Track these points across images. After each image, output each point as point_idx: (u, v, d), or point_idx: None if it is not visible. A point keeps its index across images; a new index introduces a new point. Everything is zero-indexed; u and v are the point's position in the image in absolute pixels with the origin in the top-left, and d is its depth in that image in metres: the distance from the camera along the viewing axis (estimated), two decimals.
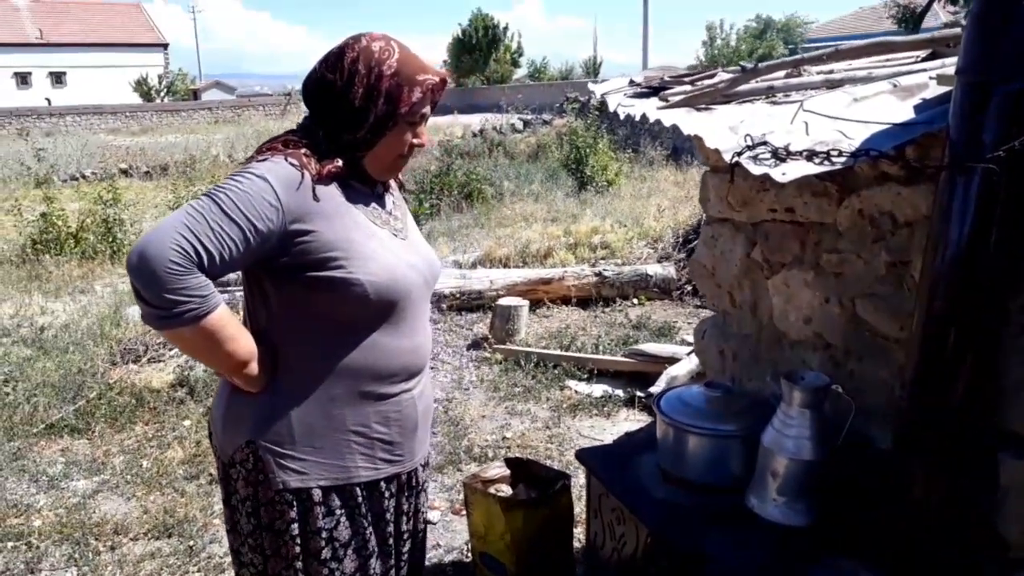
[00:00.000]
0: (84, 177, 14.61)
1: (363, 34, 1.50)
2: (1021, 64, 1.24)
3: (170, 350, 5.01)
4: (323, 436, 1.53)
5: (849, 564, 1.55)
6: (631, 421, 4.15)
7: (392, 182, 1.71)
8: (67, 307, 6.41)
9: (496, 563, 2.62)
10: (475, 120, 19.47)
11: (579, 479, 3.05)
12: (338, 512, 1.56)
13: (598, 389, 4.51)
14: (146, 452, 3.88)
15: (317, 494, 1.53)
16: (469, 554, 2.87)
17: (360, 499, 1.58)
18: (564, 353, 4.96)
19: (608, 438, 3.90)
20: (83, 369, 4.72)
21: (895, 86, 1.65)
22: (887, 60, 2.08)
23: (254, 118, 27.77)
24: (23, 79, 40.27)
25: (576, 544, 2.77)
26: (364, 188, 1.57)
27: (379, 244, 1.52)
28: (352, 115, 1.46)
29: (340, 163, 1.48)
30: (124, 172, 15.12)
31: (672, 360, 4.42)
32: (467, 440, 3.94)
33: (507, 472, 2.80)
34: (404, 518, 1.71)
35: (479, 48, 37.04)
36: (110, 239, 8.27)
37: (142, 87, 37.84)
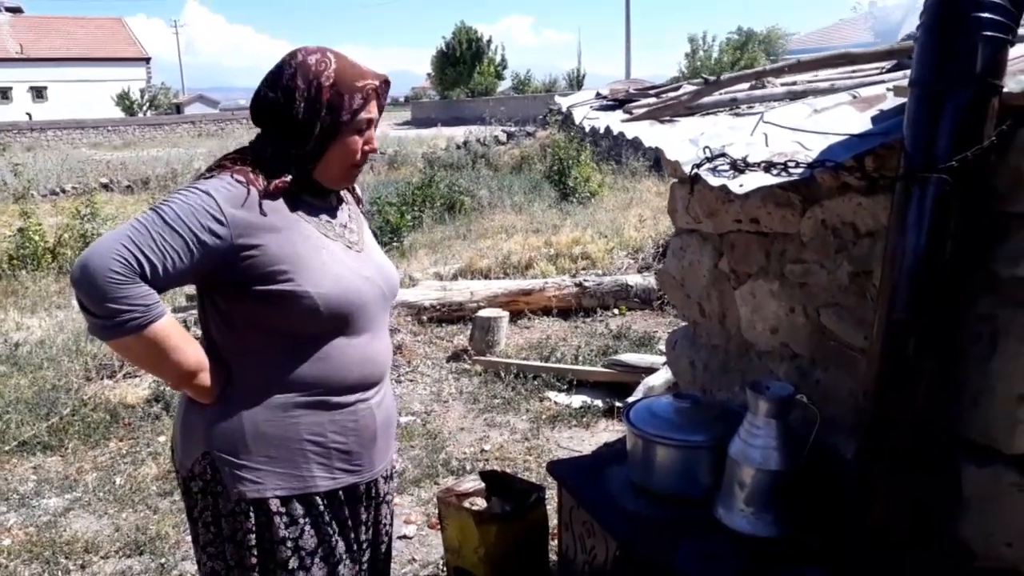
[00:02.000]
0: (64, 192, 14.50)
1: (299, 49, 1.52)
2: (972, 74, 1.25)
3: None
4: (278, 445, 1.52)
5: (817, 575, 1.55)
6: (610, 432, 4.14)
7: (348, 195, 1.71)
8: (43, 323, 6.34)
9: None
10: (459, 132, 19.52)
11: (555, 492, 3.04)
12: (302, 521, 1.55)
13: (577, 400, 4.51)
14: (120, 469, 3.83)
15: (275, 504, 1.53)
16: (444, 568, 2.85)
17: (322, 507, 1.58)
18: (544, 364, 4.96)
19: (587, 449, 3.89)
20: (57, 385, 4.67)
21: (855, 97, 1.67)
22: (852, 72, 2.10)
23: (237, 131, 27.64)
24: (3, 94, 40.01)
25: (552, 557, 2.76)
26: (316, 201, 1.57)
27: (329, 256, 1.52)
28: (297, 130, 1.48)
29: (288, 179, 1.49)
30: (105, 186, 15.02)
31: (650, 370, 4.42)
32: (445, 453, 3.92)
33: (482, 485, 2.79)
34: (363, 528, 1.69)
35: (463, 61, 37.17)
36: None
37: (124, 101, 37.68)
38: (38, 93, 40.75)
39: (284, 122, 1.48)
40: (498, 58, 38.36)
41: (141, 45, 46.01)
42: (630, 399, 4.22)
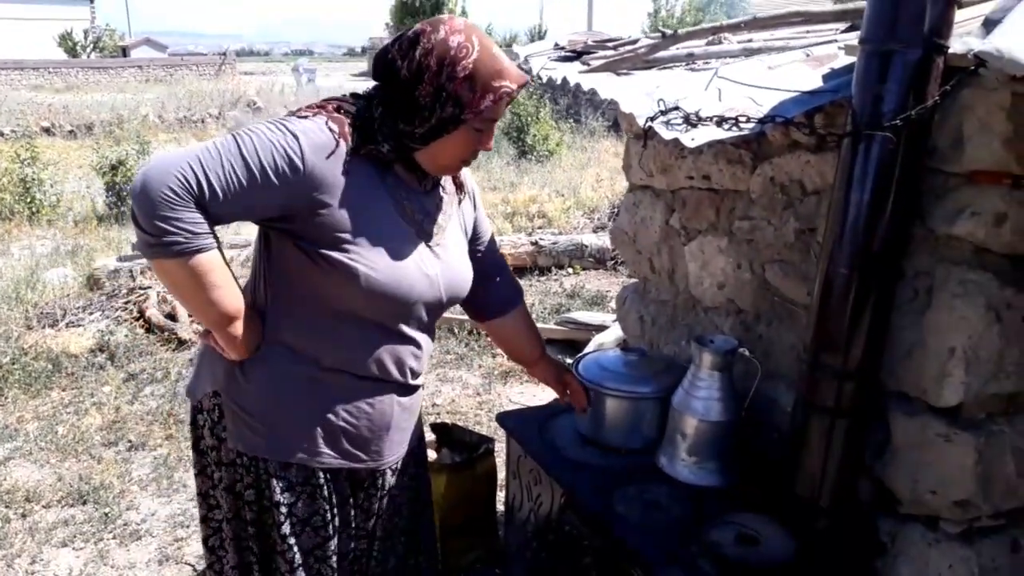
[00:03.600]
0: (2, 135, 13.91)
1: (443, 21, 1.37)
2: (919, 33, 1.27)
3: (90, 314, 4.85)
4: (286, 411, 1.48)
5: (753, 520, 1.60)
6: None
7: (449, 182, 1.60)
8: None
9: None
10: None
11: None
12: (298, 489, 1.51)
13: None
14: (62, 418, 3.76)
15: (274, 466, 1.49)
16: None
17: (323, 481, 1.53)
18: None
19: (537, 404, 3.94)
20: None
21: (808, 55, 1.68)
22: (807, 31, 2.11)
23: (187, 78, 26.72)
24: None
25: (500, 507, 2.80)
26: (407, 177, 1.47)
27: (396, 239, 1.43)
28: (413, 109, 1.36)
29: (385, 148, 1.39)
30: (46, 130, 14.46)
31: (602, 328, 4.48)
32: None
33: (432, 437, 2.81)
34: (361, 513, 1.64)
35: (423, 11, 36.22)
36: (28, 199, 7.91)
37: (67, 42, 36.02)
38: None
39: (402, 95, 1.36)
40: (459, 10, 37.57)
41: None
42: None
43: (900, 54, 1.29)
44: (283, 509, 1.50)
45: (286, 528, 1.51)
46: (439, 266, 1.51)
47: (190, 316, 4.73)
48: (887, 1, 1.30)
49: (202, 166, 1.25)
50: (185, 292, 1.37)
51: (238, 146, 1.28)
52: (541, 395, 4.08)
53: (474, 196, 1.71)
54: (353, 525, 1.63)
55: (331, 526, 1.56)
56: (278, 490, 1.50)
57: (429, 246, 1.50)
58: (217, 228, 1.35)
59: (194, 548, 2.81)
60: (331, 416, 1.50)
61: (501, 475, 2.76)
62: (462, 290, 1.61)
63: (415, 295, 1.46)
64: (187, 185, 1.24)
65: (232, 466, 1.51)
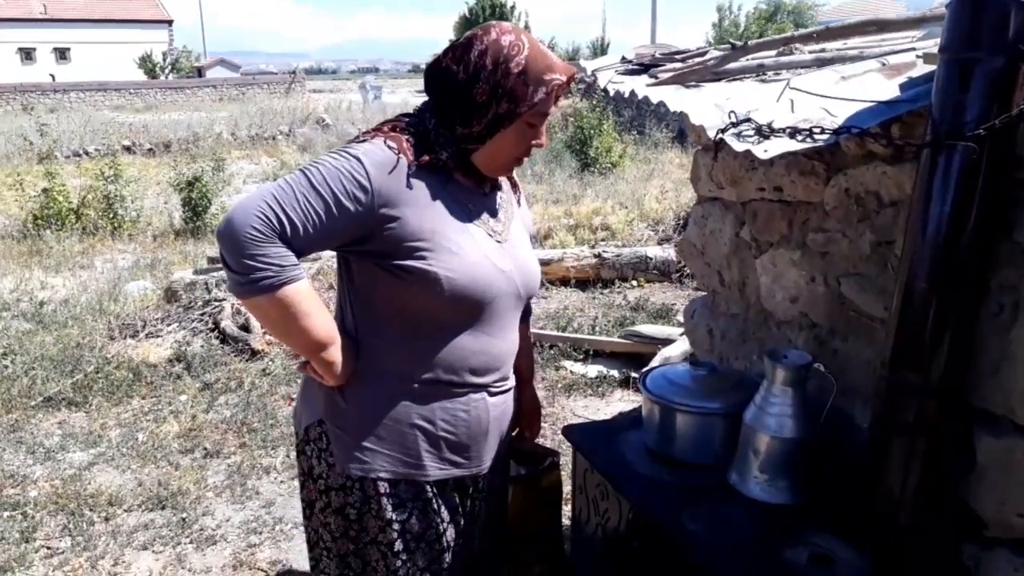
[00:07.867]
0: (87, 153, 14.59)
1: (492, 25, 1.45)
2: (1004, 41, 1.23)
3: (168, 325, 5.03)
4: (388, 427, 1.52)
5: (828, 541, 1.56)
6: (625, 402, 4.17)
7: (505, 182, 1.66)
8: (67, 282, 6.43)
9: None
10: None
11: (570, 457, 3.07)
12: (409, 505, 1.55)
13: (593, 370, 4.53)
14: (142, 426, 3.91)
15: (383, 485, 1.53)
16: None
17: (431, 494, 1.57)
18: (560, 334, 4.97)
19: (601, 418, 3.92)
20: (81, 343, 4.75)
21: (883, 64, 1.64)
22: (882, 40, 2.07)
23: (259, 96, 27.65)
24: (27, 55, 40.21)
25: (565, 521, 2.79)
26: (467, 182, 1.52)
27: (468, 240, 1.48)
28: (470, 110, 1.43)
29: (444, 156, 1.45)
30: (127, 149, 15.10)
31: (667, 341, 4.43)
32: None
33: None
34: (469, 519, 1.67)
35: None
36: (111, 215, 8.28)
37: (146, 64, 37.75)
38: (61, 54, 40.91)
39: (459, 98, 1.43)
40: (522, 25, 37.94)
41: (163, 7, 45.98)
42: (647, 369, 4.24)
43: (983, 62, 1.25)
44: (396, 527, 1.54)
45: (399, 545, 1.54)
46: (511, 262, 1.56)
47: (262, 328, 4.87)
48: (968, 9, 1.27)
49: (279, 202, 1.33)
50: (279, 325, 1.43)
51: (308, 179, 1.36)
52: (605, 409, 4.06)
53: (523, 199, 1.77)
54: (465, 534, 1.66)
55: (444, 539, 1.59)
56: (389, 508, 1.53)
57: (499, 243, 1.55)
58: None
59: (267, 554, 2.88)
60: (430, 427, 1.54)
61: (566, 489, 2.75)
62: (535, 283, 1.65)
63: (494, 291, 1.50)
64: (268, 222, 1.31)
65: (342, 489, 1.55)
